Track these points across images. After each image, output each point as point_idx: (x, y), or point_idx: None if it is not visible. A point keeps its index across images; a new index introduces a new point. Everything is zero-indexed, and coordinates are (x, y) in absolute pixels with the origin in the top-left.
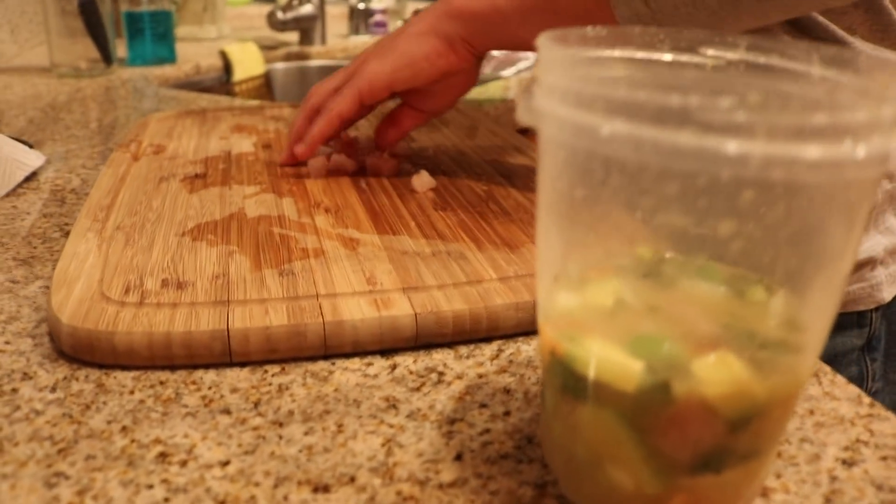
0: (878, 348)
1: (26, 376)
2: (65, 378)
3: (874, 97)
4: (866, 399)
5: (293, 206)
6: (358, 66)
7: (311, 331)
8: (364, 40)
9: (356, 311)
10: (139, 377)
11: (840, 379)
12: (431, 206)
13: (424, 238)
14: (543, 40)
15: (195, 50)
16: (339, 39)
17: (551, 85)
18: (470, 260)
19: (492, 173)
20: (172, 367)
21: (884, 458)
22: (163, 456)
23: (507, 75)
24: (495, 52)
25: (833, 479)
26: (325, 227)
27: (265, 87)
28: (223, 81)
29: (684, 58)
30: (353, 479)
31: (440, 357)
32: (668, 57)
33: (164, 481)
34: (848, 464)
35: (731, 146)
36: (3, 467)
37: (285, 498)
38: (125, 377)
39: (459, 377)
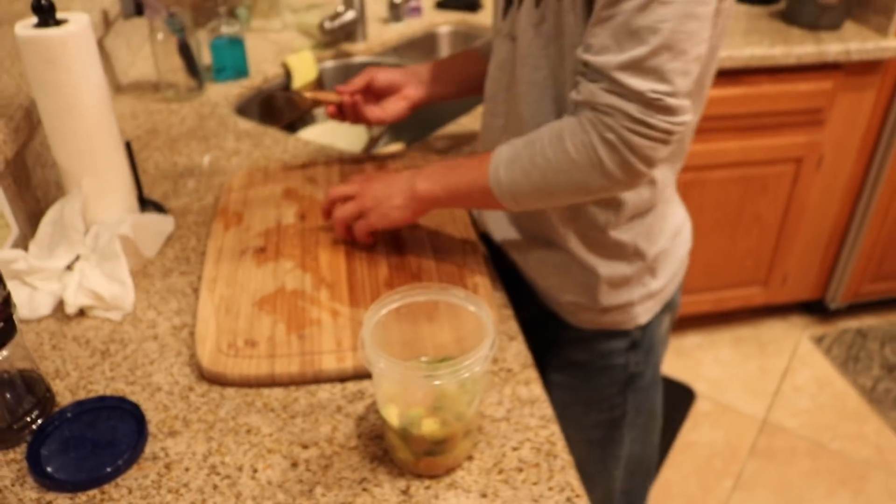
0: (641, 346)
1: (188, 388)
2: (204, 390)
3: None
4: (548, 412)
5: (311, 281)
6: (364, 205)
7: (308, 372)
8: (400, 28)
9: (328, 364)
10: (238, 391)
11: (537, 396)
12: (384, 283)
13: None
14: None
15: (265, 47)
16: (379, 28)
17: (366, 338)
18: None
19: (429, 252)
20: (251, 386)
21: (536, 448)
22: (247, 428)
23: None
24: None
25: (503, 455)
26: (325, 300)
27: (318, 87)
28: (285, 87)
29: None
30: (317, 444)
31: (366, 384)
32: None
33: (241, 443)
34: (516, 449)
35: None
36: (186, 430)
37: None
38: (231, 391)
39: (371, 394)
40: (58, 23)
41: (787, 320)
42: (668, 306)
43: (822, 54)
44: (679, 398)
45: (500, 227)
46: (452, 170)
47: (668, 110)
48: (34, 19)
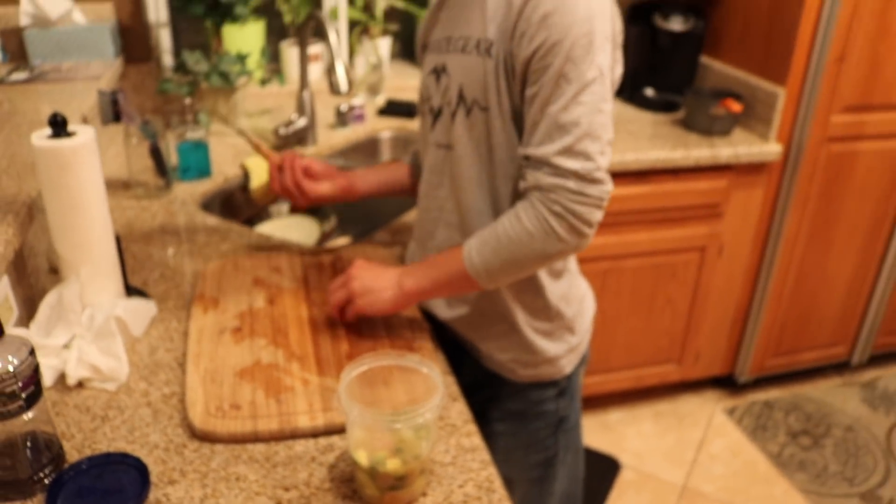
0: (566, 393)
1: (182, 445)
2: (196, 447)
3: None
4: (486, 457)
5: (283, 355)
6: (354, 291)
7: (286, 429)
8: (346, 133)
9: (303, 422)
10: (226, 446)
11: (476, 444)
12: (345, 356)
13: (338, 378)
14: (344, 381)
15: (224, 150)
16: (327, 133)
17: (342, 393)
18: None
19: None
20: (237, 442)
21: (478, 486)
22: (236, 476)
23: None
24: None
25: (451, 492)
26: (296, 371)
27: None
28: (244, 187)
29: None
30: (296, 487)
31: (335, 439)
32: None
33: (232, 488)
34: (462, 486)
35: None
36: (183, 479)
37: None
38: (220, 447)
39: (342, 448)
40: (69, 134)
41: (701, 395)
42: (583, 359)
43: (715, 157)
44: (606, 469)
45: (445, 306)
46: (432, 266)
47: (596, 181)
48: (48, 130)
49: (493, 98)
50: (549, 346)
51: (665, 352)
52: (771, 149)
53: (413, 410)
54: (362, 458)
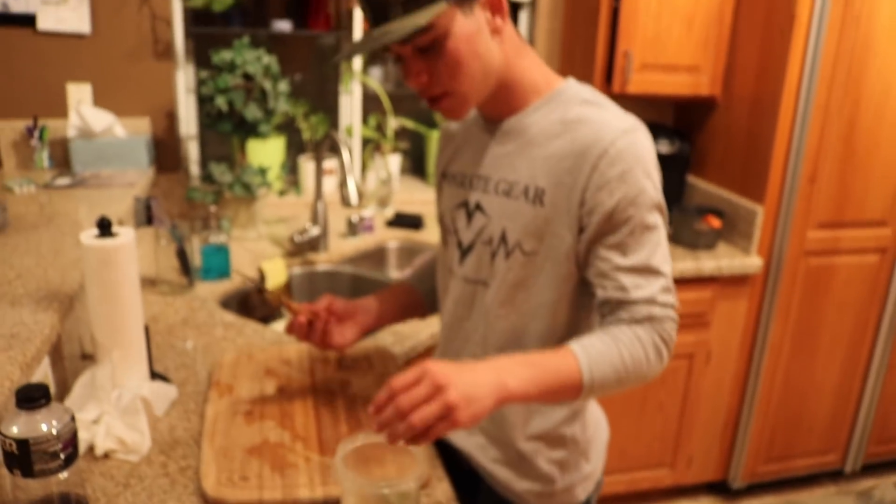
0: None
1: None
2: None
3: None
4: None
5: (288, 436)
6: (449, 402)
7: (288, 499)
8: (356, 242)
9: (303, 493)
10: None
11: None
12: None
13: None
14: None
15: (243, 253)
16: (338, 241)
17: (338, 464)
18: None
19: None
20: None
21: None
22: None
23: None
24: None
25: None
26: (300, 450)
27: (286, 288)
28: (259, 288)
29: None
30: None
31: None
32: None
33: None
34: None
35: None
36: None
37: None
38: None
39: None
40: (112, 235)
41: (696, 500)
42: (598, 484)
43: (699, 269)
44: None
45: (463, 434)
46: (540, 370)
47: (676, 310)
48: (95, 230)
49: (543, 244)
50: (564, 476)
51: (657, 455)
52: (752, 262)
53: (399, 479)
54: None
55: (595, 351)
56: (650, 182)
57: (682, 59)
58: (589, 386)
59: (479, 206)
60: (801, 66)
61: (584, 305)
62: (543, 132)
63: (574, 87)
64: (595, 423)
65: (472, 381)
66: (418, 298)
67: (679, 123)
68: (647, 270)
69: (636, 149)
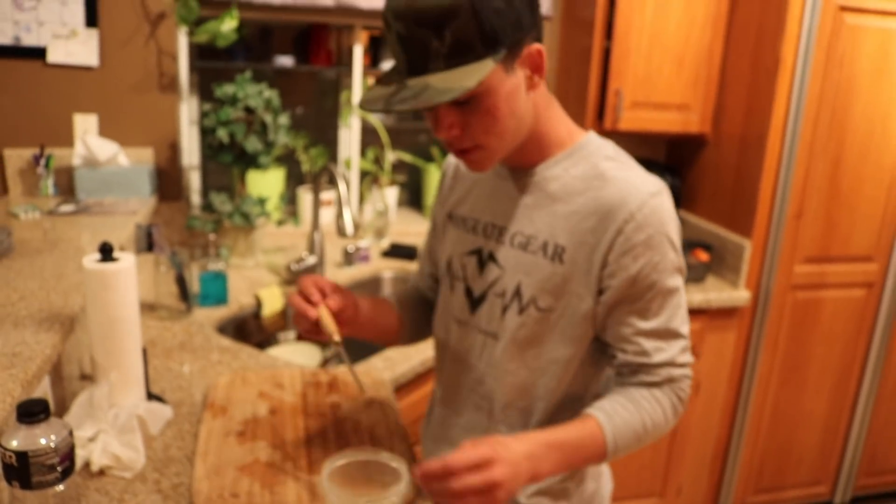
0: None
1: None
2: None
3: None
4: None
5: (279, 455)
6: (491, 489)
7: None
8: (352, 271)
9: None
10: None
11: None
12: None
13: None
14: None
15: (240, 281)
16: (334, 270)
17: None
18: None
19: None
20: None
21: None
22: None
23: None
24: None
25: None
26: (289, 469)
27: (282, 315)
28: (256, 314)
29: None
30: None
31: None
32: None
33: None
34: None
35: None
36: None
37: None
38: None
39: None
40: (114, 259)
41: None
42: None
43: (689, 302)
44: None
45: None
46: (566, 450)
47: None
48: (96, 255)
49: (560, 302)
50: None
51: (647, 484)
52: (740, 295)
53: (382, 495)
54: None
55: (620, 420)
56: (673, 246)
57: (673, 98)
58: (612, 454)
59: (492, 257)
60: (786, 106)
61: (595, 362)
62: (565, 187)
63: (596, 142)
64: (598, 473)
65: (514, 476)
66: (396, 327)
67: (670, 160)
68: (668, 333)
69: (661, 213)
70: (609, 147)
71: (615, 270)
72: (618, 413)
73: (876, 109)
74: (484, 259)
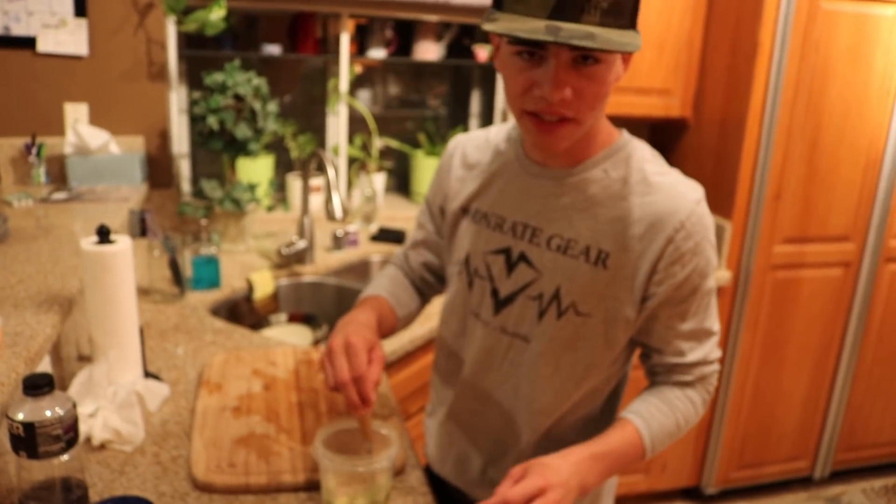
0: None
1: (185, 494)
2: (197, 496)
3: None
4: None
5: (273, 428)
6: None
7: (272, 484)
8: (341, 255)
9: (286, 479)
10: (222, 496)
11: None
12: None
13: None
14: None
15: (232, 265)
16: (324, 254)
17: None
18: None
19: None
20: (231, 494)
21: None
22: None
23: None
24: None
25: None
26: (284, 441)
27: (274, 298)
28: (248, 297)
29: None
30: None
31: (313, 493)
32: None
33: None
34: None
35: None
36: None
37: None
38: (217, 496)
39: (318, 500)
40: (111, 242)
41: None
42: None
43: None
44: None
45: (461, 472)
46: (608, 459)
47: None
48: (94, 238)
49: (600, 307)
50: None
51: None
52: (721, 275)
53: (372, 460)
54: (333, 498)
55: (657, 424)
56: (714, 250)
57: (654, 83)
58: (649, 456)
59: (524, 258)
60: (764, 89)
61: (624, 361)
62: (606, 190)
63: (633, 143)
64: None
65: (568, 495)
66: (394, 324)
67: (652, 144)
68: (703, 332)
69: (705, 220)
70: (646, 149)
71: (663, 278)
72: (654, 417)
73: (851, 92)
74: (514, 260)
